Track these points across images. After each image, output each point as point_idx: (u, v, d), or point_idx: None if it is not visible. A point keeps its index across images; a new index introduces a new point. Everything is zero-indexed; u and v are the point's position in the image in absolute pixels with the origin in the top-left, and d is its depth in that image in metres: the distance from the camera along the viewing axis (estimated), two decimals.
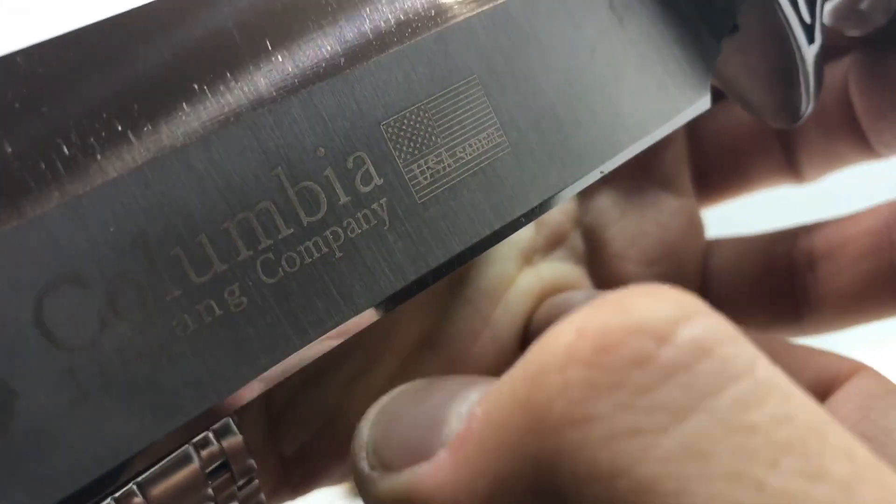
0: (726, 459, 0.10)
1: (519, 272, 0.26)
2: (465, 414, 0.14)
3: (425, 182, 0.17)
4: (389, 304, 0.17)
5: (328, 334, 0.16)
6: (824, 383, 0.22)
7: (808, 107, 0.22)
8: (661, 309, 0.12)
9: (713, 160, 0.30)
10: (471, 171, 0.18)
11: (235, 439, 0.18)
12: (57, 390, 0.13)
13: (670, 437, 0.11)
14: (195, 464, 0.17)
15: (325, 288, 0.16)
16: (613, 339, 0.12)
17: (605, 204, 0.28)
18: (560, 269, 0.27)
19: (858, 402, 0.20)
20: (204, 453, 0.17)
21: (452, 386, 0.15)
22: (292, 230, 0.15)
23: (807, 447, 0.11)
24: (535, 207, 0.18)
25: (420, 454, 0.14)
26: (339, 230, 0.16)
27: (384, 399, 0.17)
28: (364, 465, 0.16)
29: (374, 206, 0.16)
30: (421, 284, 0.17)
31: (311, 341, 0.15)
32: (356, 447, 0.16)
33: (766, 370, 0.12)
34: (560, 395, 0.11)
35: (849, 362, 0.22)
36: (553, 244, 0.27)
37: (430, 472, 0.14)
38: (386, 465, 0.15)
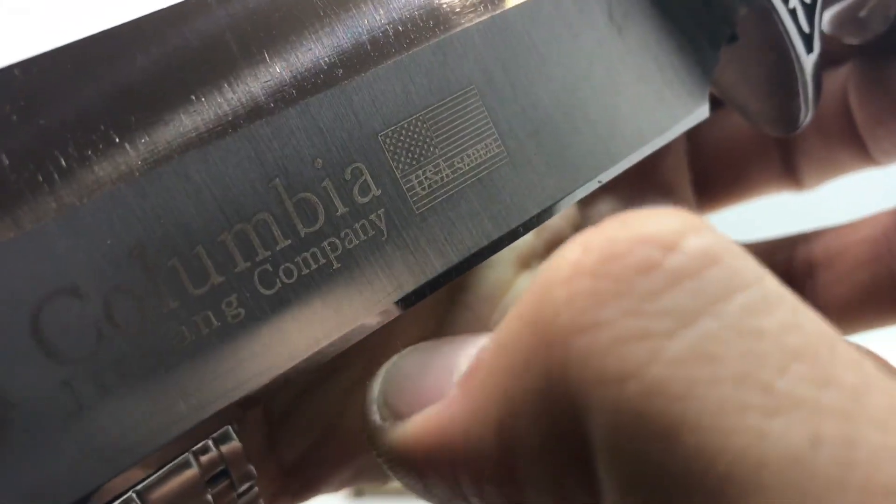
0: (734, 363, 0.10)
1: (516, 277, 0.26)
2: (475, 354, 0.14)
3: (423, 193, 0.17)
4: (388, 314, 0.17)
5: (326, 345, 0.16)
6: None
7: (806, 116, 0.22)
8: (668, 222, 0.12)
9: (712, 167, 0.30)
10: (469, 182, 0.18)
11: (235, 446, 0.18)
12: (54, 402, 0.13)
13: (678, 340, 0.11)
14: (195, 470, 0.17)
15: (323, 299, 0.16)
16: (619, 249, 0.11)
17: (606, 210, 0.28)
18: None
19: None
20: (203, 460, 0.17)
21: (462, 337, 0.15)
22: (290, 241, 0.16)
23: (816, 354, 0.11)
24: (534, 217, 0.18)
25: (432, 398, 0.14)
26: (337, 241, 0.16)
27: (394, 357, 0.16)
28: (375, 418, 0.15)
29: (372, 216, 0.16)
30: (419, 295, 0.17)
31: (309, 352, 0.15)
32: (367, 403, 0.16)
33: (774, 282, 0.11)
34: (566, 306, 0.11)
35: None
36: (553, 249, 0.27)
37: (441, 409, 0.14)
38: (397, 415, 0.15)
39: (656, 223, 0.12)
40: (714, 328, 0.11)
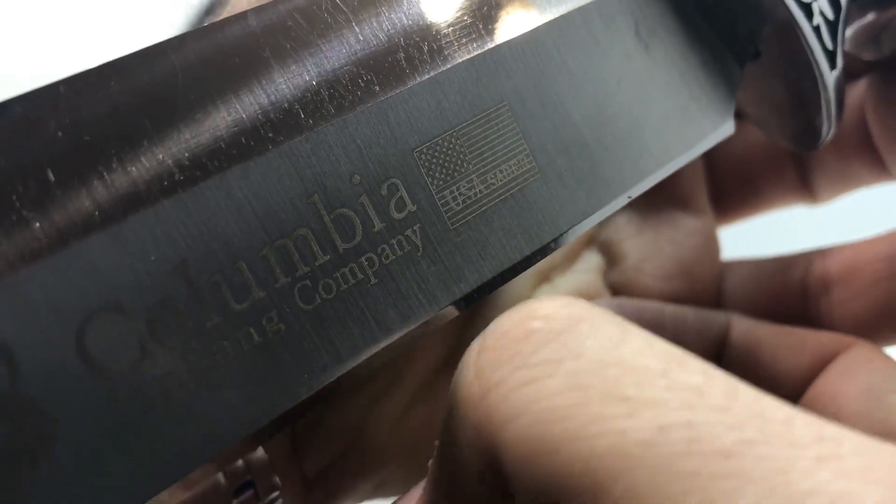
0: (599, 386, 0.13)
1: (534, 290, 0.26)
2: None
3: (458, 208, 0.17)
4: (423, 329, 0.17)
5: (363, 360, 0.16)
6: (824, 358, 0.24)
7: (828, 132, 0.22)
8: (547, 303, 0.15)
9: (729, 180, 0.30)
10: (502, 197, 0.18)
11: (261, 457, 0.18)
12: (98, 418, 0.13)
13: (555, 378, 0.13)
14: (221, 480, 0.17)
15: (361, 314, 0.16)
16: (507, 328, 0.14)
17: (621, 221, 0.28)
18: (578, 280, 0.27)
19: (849, 368, 0.23)
20: (229, 469, 0.17)
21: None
22: (329, 257, 0.16)
23: (666, 368, 0.13)
24: (565, 232, 0.18)
25: None
26: (374, 256, 0.16)
27: None
28: None
29: (408, 232, 0.17)
30: (453, 310, 0.17)
31: (346, 367, 0.16)
32: None
33: (630, 325, 0.14)
34: (474, 378, 0.14)
35: (843, 338, 0.24)
36: (569, 261, 0.27)
37: None
38: None
39: (536, 307, 0.15)
40: (582, 364, 0.13)
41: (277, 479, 0.18)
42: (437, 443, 0.16)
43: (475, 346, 0.15)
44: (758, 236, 0.32)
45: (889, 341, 0.26)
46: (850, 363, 0.23)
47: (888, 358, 0.24)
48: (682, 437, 0.12)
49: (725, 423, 0.12)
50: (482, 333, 0.15)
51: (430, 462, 0.16)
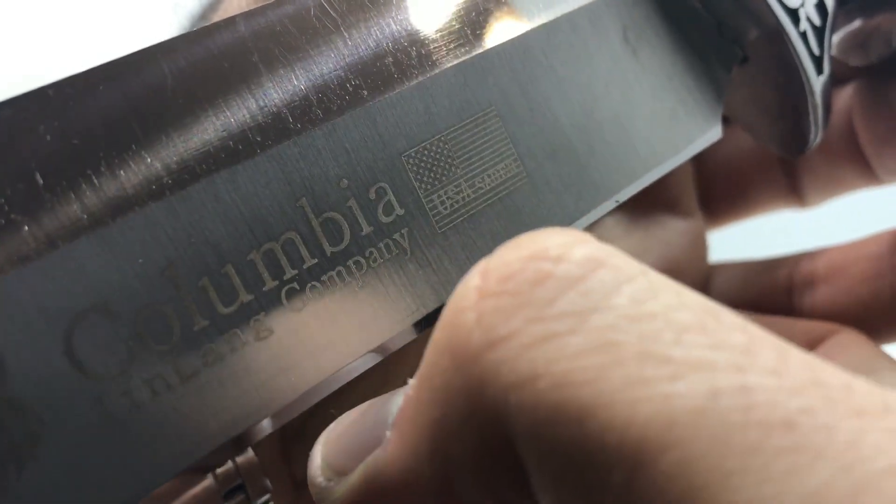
0: (632, 344, 0.11)
1: None
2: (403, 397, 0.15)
3: (445, 212, 0.17)
4: (411, 332, 0.17)
5: (352, 362, 0.16)
6: (810, 344, 0.24)
7: (816, 137, 0.22)
8: (554, 238, 0.13)
9: (717, 184, 0.30)
10: (490, 201, 0.18)
11: (251, 459, 0.18)
12: (85, 419, 0.13)
13: (579, 335, 0.12)
14: (211, 483, 0.17)
15: (349, 317, 0.16)
16: (514, 268, 0.13)
17: (610, 222, 0.28)
18: None
19: (835, 350, 0.23)
20: (220, 472, 0.17)
21: (390, 392, 0.16)
22: (317, 260, 0.16)
23: (704, 324, 0.12)
24: None
25: (370, 449, 0.15)
26: (363, 260, 0.16)
27: (330, 426, 0.17)
28: (321, 481, 0.16)
29: (396, 235, 0.17)
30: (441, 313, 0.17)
31: (335, 370, 0.16)
32: (312, 472, 0.16)
33: (655, 274, 0.13)
34: (476, 326, 0.12)
35: (830, 325, 0.24)
36: None
37: (379, 453, 0.14)
38: (341, 472, 0.15)
39: (543, 241, 0.13)
40: (609, 319, 0.12)
41: (268, 482, 0.18)
42: (410, 381, 0.14)
43: (473, 282, 0.13)
44: (746, 240, 0.33)
45: (873, 339, 0.26)
46: (836, 346, 0.23)
47: (872, 343, 0.24)
48: (737, 403, 0.10)
49: (784, 388, 0.11)
50: (480, 268, 0.13)
51: (408, 394, 0.14)
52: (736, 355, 0.11)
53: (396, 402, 0.15)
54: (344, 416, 0.17)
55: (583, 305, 0.12)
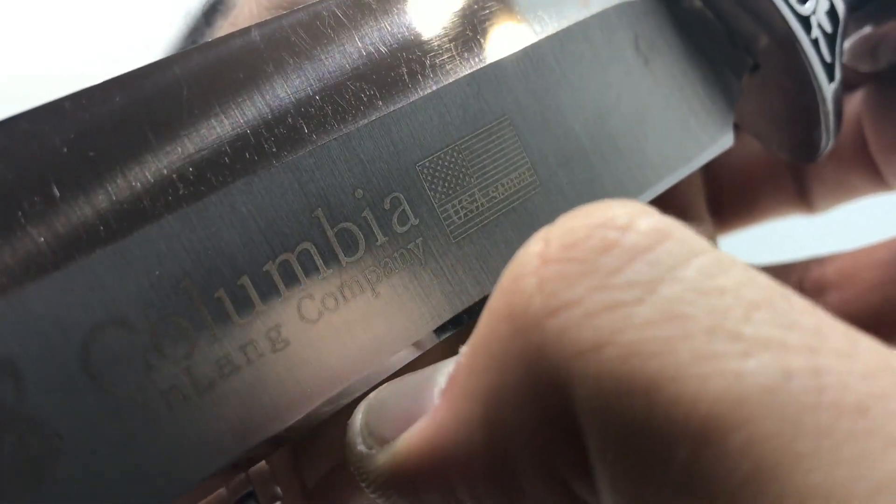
0: (702, 318, 0.11)
1: None
2: (454, 365, 0.14)
3: (459, 221, 0.17)
4: (426, 341, 0.17)
5: (368, 373, 0.16)
6: None
7: (827, 144, 0.22)
8: (618, 208, 0.13)
9: (726, 190, 0.30)
10: (503, 210, 0.18)
11: (262, 467, 0.18)
12: (102, 433, 0.13)
13: (646, 305, 0.11)
14: (222, 490, 0.17)
15: (364, 327, 0.16)
16: (579, 235, 0.12)
17: None
18: None
19: None
20: (231, 481, 0.17)
21: (439, 363, 0.15)
22: (332, 270, 0.16)
23: (774, 304, 0.11)
24: None
25: (415, 418, 0.14)
26: (378, 270, 0.16)
27: (373, 392, 0.16)
28: (361, 448, 0.15)
29: (411, 245, 0.17)
30: (456, 322, 0.17)
31: (351, 380, 0.16)
32: (351, 436, 0.16)
33: (723, 251, 0.12)
34: (537, 292, 0.12)
35: None
36: None
37: (426, 421, 0.14)
38: (383, 440, 0.15)
39: (608, 210, 0.13)
40: (678, 291, 0.11)
41: (279, 490, 0.18)
42: (462, 349, 0.14)
43: (534, 249, 0.13)
44: (755, 245, 0.33)
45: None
46: None
47: None
48: (809, 385, 0.10)
49: (856, 372, 0.10)
50: (542, 235, 0.13)
51: (460, 362, 0.14)
52: (807, 336, 0.11)
53: (445, 371, 0.14)
54: (387, 384, 0.16)
55: (650, 276, 0.12)
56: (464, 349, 0.14)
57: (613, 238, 0.12)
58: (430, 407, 0.14)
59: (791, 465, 0.10)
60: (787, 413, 0.10)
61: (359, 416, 0.16)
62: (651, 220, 0.12)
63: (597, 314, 0.11)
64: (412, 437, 0.14)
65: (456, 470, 0.13)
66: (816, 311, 0.12)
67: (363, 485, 0.15)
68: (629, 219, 0.12)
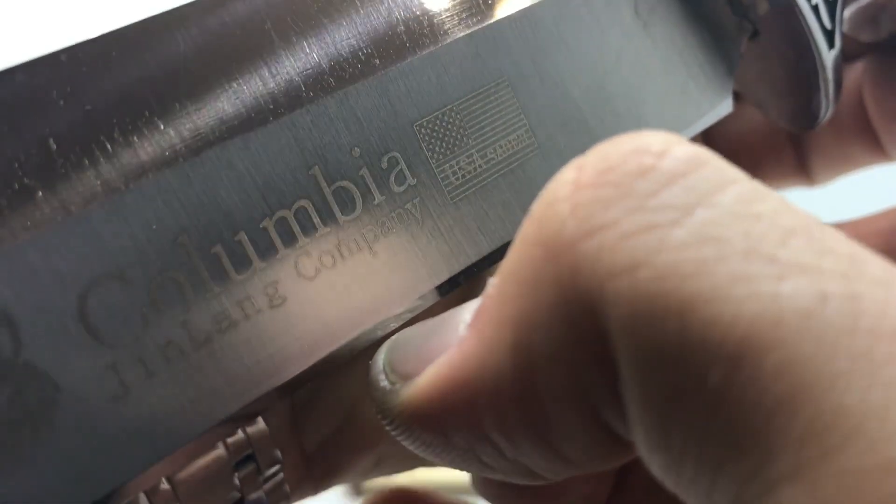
0: (738, 241, 0.11)
1: None
2: (482, 297, 0.14)
3: (457, 182, 0.17)
4: (423, 301, 0.17)
5: (363, 331, 0.16)
6: None
7: (826, 111, 0.22)
8: (653, 137, 0.13)
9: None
10: (501, 172, 0.18)
11: (261, 429, 0.18)
12: (99, 386, 0.13)
13: (683, 227, 0.11)
14: (222, 452, 0.17)
15: (361, 285, 0.16)
16: (614, 161, 0.12)
17: None
18: None
19: None
20: (230, 442, 0.17)
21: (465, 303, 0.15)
22: (329, 228, 0.16)
23: (810, 230, 0.11)
24: None
25: (438, 352, 0.14)
26: (375, 229, 0.16)
27: (395, 335, 0.16)
28: (385, 385, 0.15)
29: (408, 205, 0.17)
30: (453, 283, 0.17)
31: (347, 338, 0.16)
32: (373, 374, 0.15)
33: (757, 181, 0.12)
34: (570, 216, 0.12)
35: None
36: None
37: (452, 353, 0.14)
38: (406, 376, 0.14)
39: (644, 138, 0.13)
40: (714, 214, 0.11)
41: (278, 453, 0.18)
42: (491, 280, 0.13)
43: (567, 176, 0.13)
44: None
45: None
46: None
47: None
48: (846, 308, 0.10)
49: (892, 300, 0.10)
50: (576, 164, 0.13)
51: (488, 293, 0.13)
52: (843, 263, 0.11)
53: (471, 307, 0.14)
54: (411, 326, 0.16)
55: (686, 200, 0.12)
56: (493, 280, 0.14)
57: (650, 163, 0.12)
58: (455, 341, 0.14)
59: (826, 387, 0.10)
60: (823, 336, 0.10)
61: (381, 355, 0.16)
62: (688, 148, 0.12)
63: (632, 236, 0.11)
64: (438, 370, 0.14)
65: (484, 400, 0.13)
66: (851, 242, 0.11)
67: (386, 425, 0.15)
68: (665, 145, 0.12)
